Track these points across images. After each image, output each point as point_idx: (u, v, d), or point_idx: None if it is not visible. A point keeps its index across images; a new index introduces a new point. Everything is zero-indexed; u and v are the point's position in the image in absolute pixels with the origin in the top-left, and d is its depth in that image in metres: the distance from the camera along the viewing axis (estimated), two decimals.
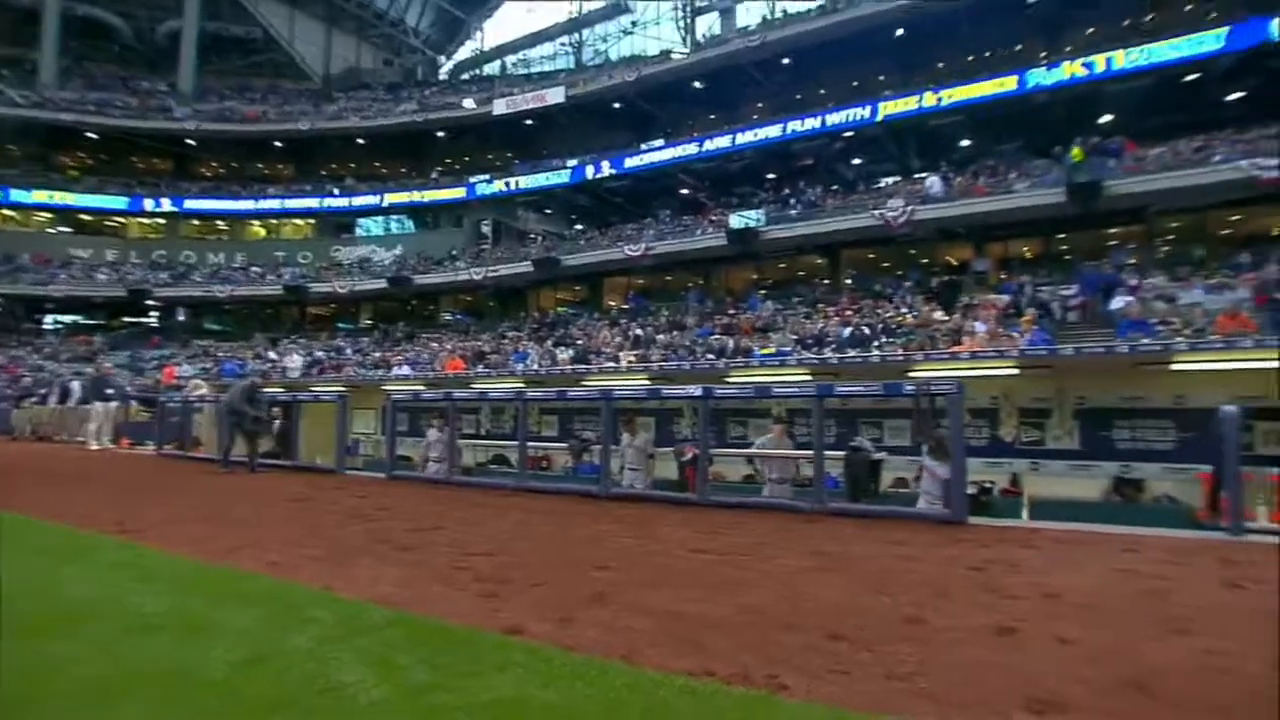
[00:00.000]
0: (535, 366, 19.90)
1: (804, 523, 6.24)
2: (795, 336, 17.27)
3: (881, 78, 27.58)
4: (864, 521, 6.24)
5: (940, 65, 26.74)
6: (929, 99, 24.07)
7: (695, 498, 7.33)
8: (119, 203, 37.28)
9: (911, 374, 12.05)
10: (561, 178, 32.13)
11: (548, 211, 36.79)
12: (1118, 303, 14.57)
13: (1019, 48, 25.64)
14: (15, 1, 38.38)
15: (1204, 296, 13.97)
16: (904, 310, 17.97)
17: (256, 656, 2.67)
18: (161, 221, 38.39)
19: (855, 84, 28.33)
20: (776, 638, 3.07)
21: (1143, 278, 16.40)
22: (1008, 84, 22.79)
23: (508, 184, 33.71)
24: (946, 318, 16.73)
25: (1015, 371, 12.39)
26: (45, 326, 35.79)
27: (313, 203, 37.79)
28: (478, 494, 8.26)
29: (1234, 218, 19.99)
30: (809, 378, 13.44)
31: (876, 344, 15.10)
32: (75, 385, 16.84)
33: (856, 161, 28.46)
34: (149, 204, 37.37)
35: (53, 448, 15.23)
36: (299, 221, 39.31)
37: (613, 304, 29.79)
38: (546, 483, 10.37)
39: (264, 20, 41.83)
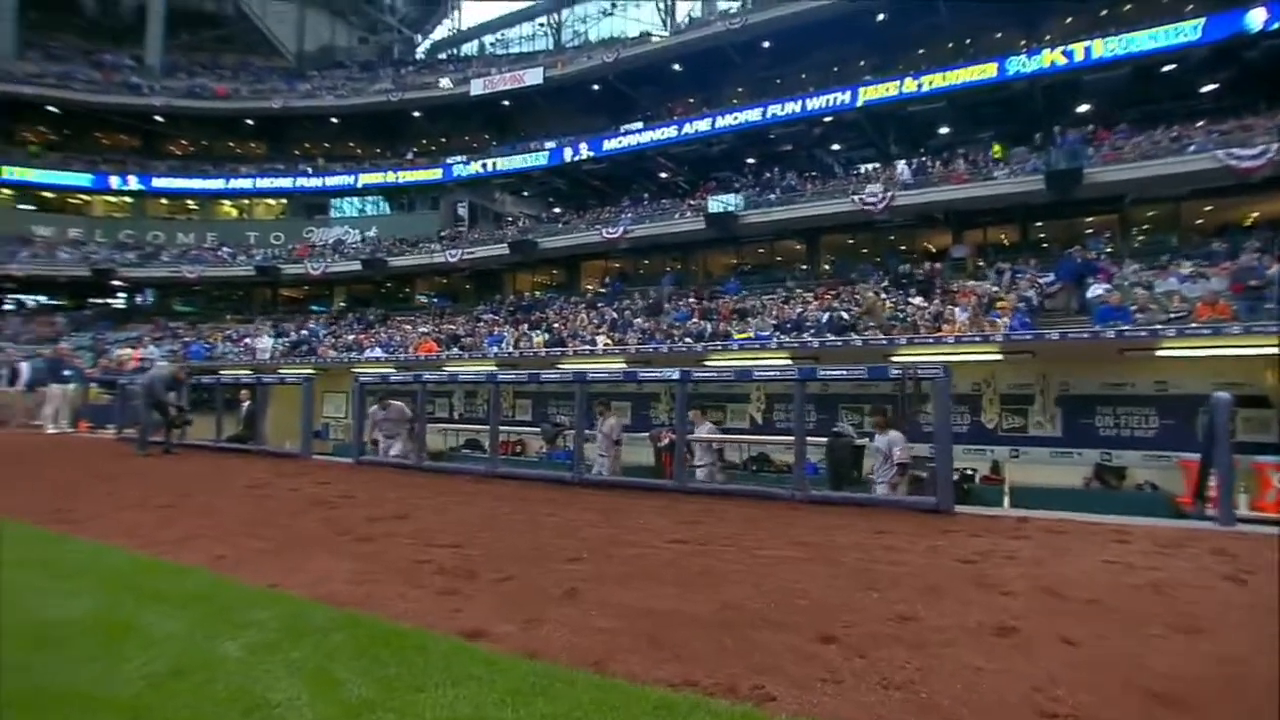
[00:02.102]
0: (510, 350, 19.54)
1: (784, 511, 6.03)
2: (774, 321, 17.09)
3: (862, 63, 27.35)
4: (847, 510, 6.04)
5: (921, 52, 26.57)
6: (909, 85, 23.86)
7: (672, 484, 7.09)
8: (83, 180, 36.04)
9: (894, 358, 11.87)
10: (539, 160, 31.59)
11: (525, 194, 36.23)
12: (1095, 290, 14.52)
13: (999, 35, 25.54)
14: None
15: (1180, 285, 13.95)
16: (883, 297, 17.83)
17: (178, 669, 2.36)
18: (128, 200, 37.27)
19: (835, 69, 28.06)
20: (761, 640, 2.84)
21: (1118, 266, 16.41)
22: (988, 71, 22.62)
23: (485, 165, 33.11)
24: (925, 304, 16.62)
25: (999, 357, 12.24)
26: (6, 307, 34.60)
27: (285, 183, 36.84)
28: (447, 480, 7.96)
29: (1207, 208, 20.06)
30: (789, 362, 13.22)
31: (855, 329, 14.95)
32: (24, 366, 16.05)
33: (836, 147, 28.22)
34: (115, 181, 36.16)
35: (5, 433, 14.64)
36: (271, 201, 38.35)
37: (590, 287, 29.43)
38: (519, 468, 10.10)
39: None
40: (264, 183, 37.06)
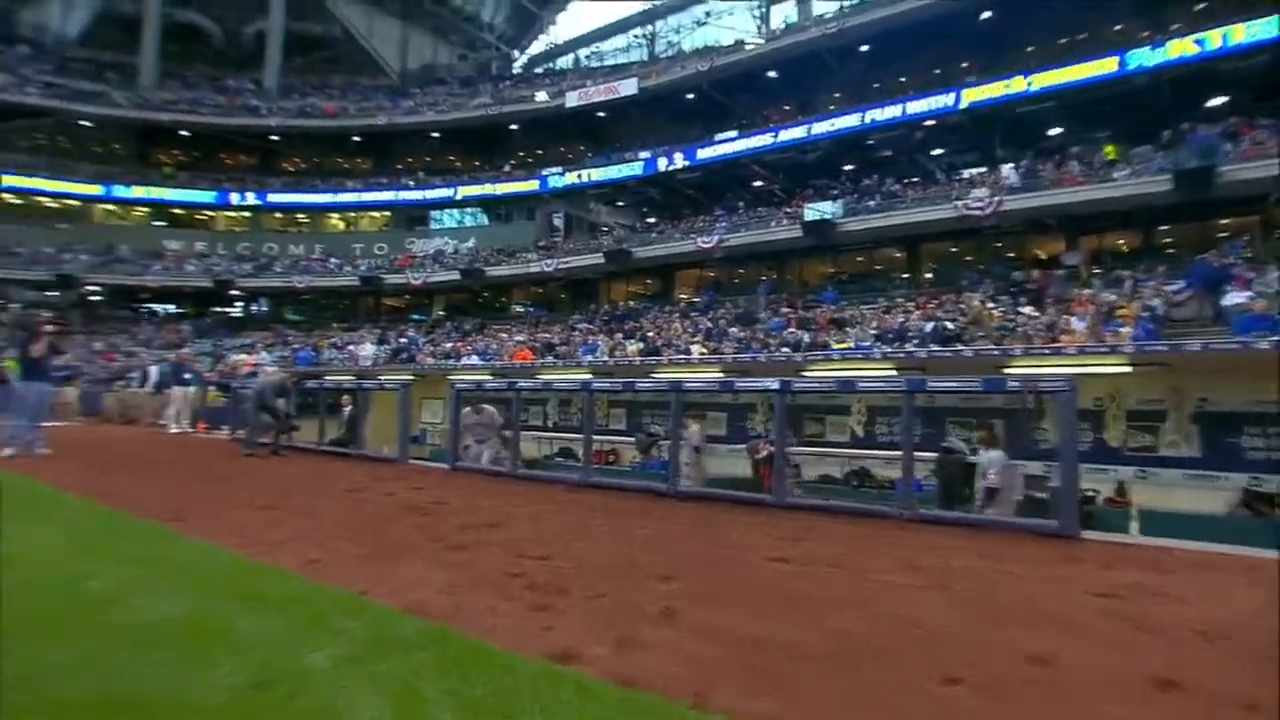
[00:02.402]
0: (604, 358, 19.57)
1: (892, 530, 5.66)
2: (874, 330, 16.48)
3: (965, 64, 26.23)
4: (959, 531, 5.61)
5: (1029, 50, 25.23)
6: (1017, 84, 22.73)
7: (771, 499, 6.80)
8: (208, 197, 38.70)
9: (1007, 370, 11.14)
10: (634, 170, 31.75)
11: (620, 204, 36.50)
12: (1233, 297, 13.27)
13: (1117, 28, 23.94)
14: (121, 10, 40.39)
15: None
16: (990, 306, 16.94)
17: (264, 679, 2.28)
18: (246, 215, 39.77)
19: (937, 71, 27.03)
20: (874, 676, 2.56)
21: (1258, 271, 14.99)
22: (1107, 66, 21.28)
23: (580, 176, 33.52)
24: (1037, 313, 15.69)
25: (1126, 369, 11.30)
26: (141, 315, 37.33)
27: (389, 196, 38.43)
28: (541, 489, 7.90)
29: None
30: (894, 372, 12.64)
31: (961, 339, 14.20)
32: (154, 370, 17.35)
33: (938, 151, 27.20)
34: (235, 198, 38.66)
35: (135, 430, 15.67)
36: (375, 214, 40.12)
37: (684, 296, 29.29)
38: (612, 478, 9.97)
39: (344, 19, 42.91)
40: (369, 196, 38.77)
